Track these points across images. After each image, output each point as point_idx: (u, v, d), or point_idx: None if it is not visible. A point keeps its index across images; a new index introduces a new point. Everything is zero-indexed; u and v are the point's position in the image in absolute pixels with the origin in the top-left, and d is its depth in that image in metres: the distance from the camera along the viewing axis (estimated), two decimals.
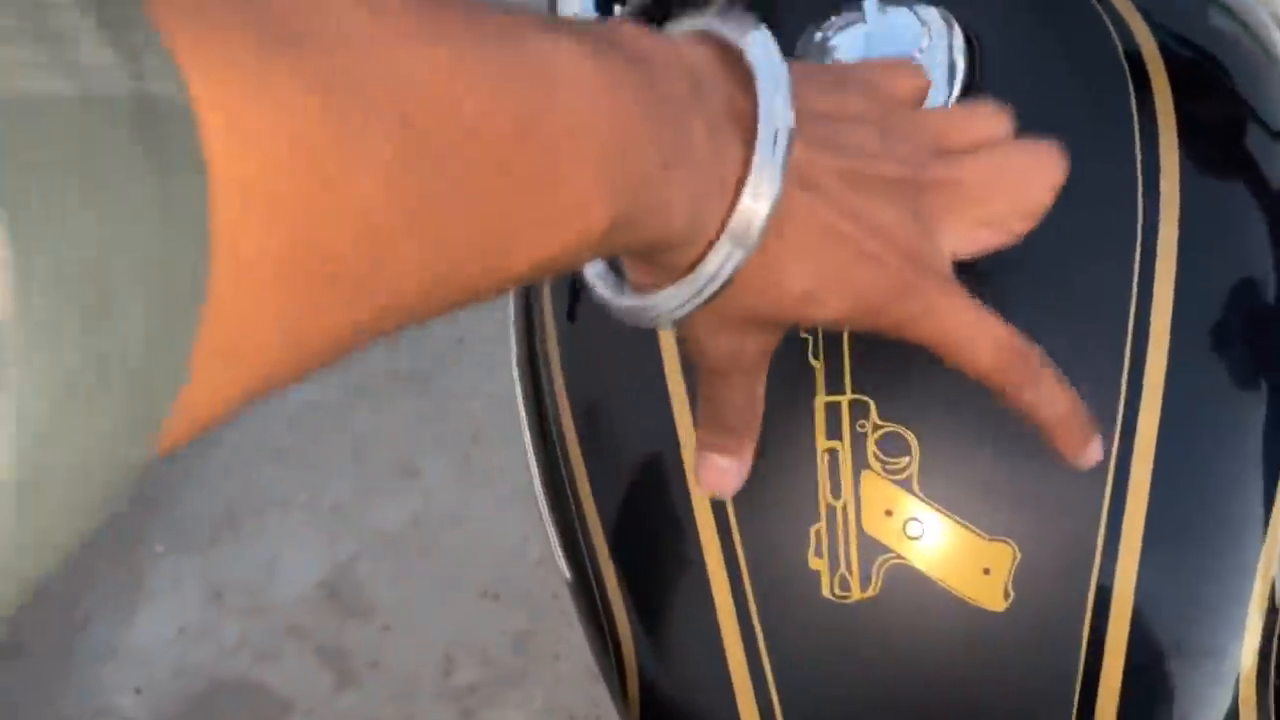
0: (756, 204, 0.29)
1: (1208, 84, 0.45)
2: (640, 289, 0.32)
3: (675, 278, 0.30)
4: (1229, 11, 0.47)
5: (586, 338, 0.49)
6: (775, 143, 0.29)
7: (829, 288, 0.32)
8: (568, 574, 0.48)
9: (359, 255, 0.20)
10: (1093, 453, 0.34)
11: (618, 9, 0.72)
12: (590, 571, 0.46)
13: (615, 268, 0.33)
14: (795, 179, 0.29)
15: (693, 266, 0.30)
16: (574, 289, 0.51)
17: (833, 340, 0.41)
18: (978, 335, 0.33)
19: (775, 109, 0.29)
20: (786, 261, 0.31)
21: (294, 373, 0.21)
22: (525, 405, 0.52)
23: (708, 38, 0.31)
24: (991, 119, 0.36)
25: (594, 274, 0.33)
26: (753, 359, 0.35)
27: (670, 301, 0.30)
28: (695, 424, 0.41)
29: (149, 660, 1.33)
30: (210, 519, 1.42)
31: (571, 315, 0.50)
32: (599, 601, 0.46)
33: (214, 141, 0.17)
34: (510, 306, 0.56)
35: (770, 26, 0.49)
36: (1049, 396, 0.34)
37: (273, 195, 0.18)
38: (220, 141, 0.17)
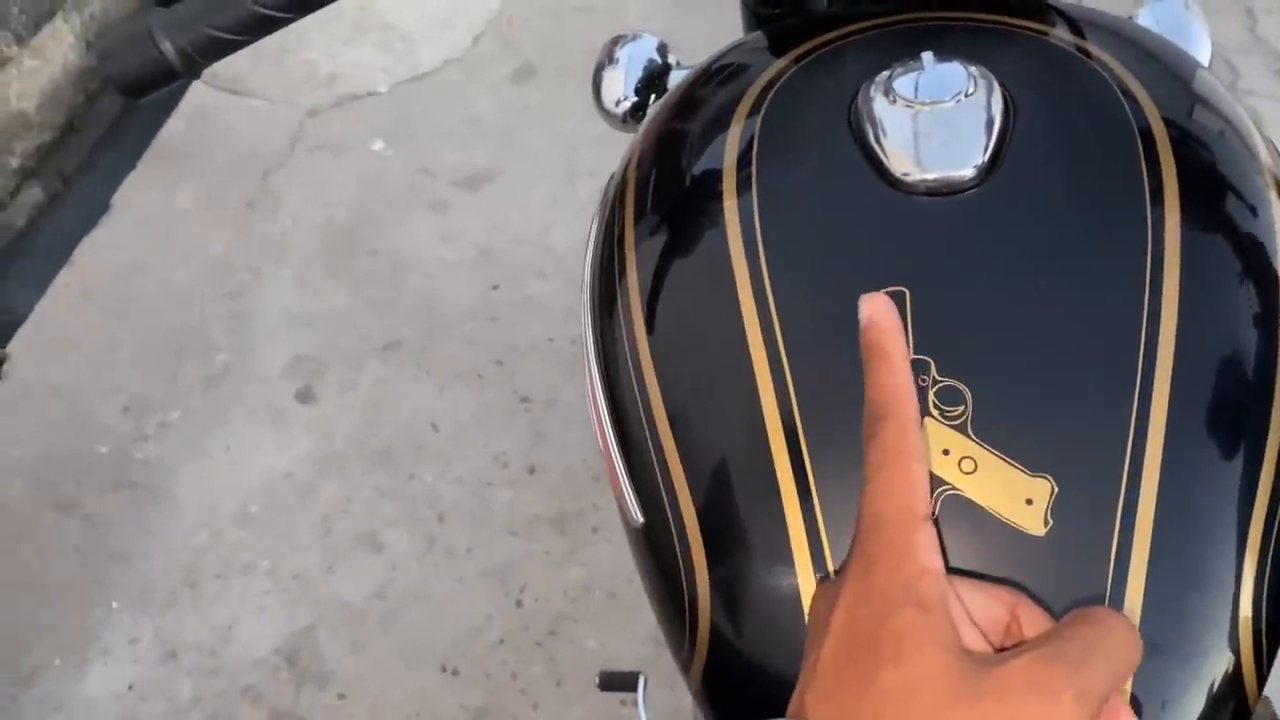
0: None
1: (1204, 162, 0.54)
2: None
3: None
4: (1217, 111, 0.58)
5: (670, 302, 0.55)
6: None
7: None
8: (640, 519, 0.53)
9: None
10: None
11: (674, 68, 0.82)
12: (670, 521, 0.51)
13: None
14: None
15: None
16: (656, 290, 0.57)
17: (899, 313, 0.48)
18: None
19: None
20: None
21: None
22: (595, 356, 0.57)
23: None
24: None
25: None
26: None
27: None
28: (777, 397, 0.48)
29: (95, 715, 1.30)
30: (170, 579, 1.42)
31: (657, 286, 0.56)
32: (676, 551, 0.51)
33: None
34: (586, 257, 0.62)
35: (842, 72, 0.59)
36: None
37: None
38: None
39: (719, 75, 0.65)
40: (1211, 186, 0.53)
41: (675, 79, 0.82)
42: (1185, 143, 0.53)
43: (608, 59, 0.83)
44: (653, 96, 0.83)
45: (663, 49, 0.83)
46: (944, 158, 0.52)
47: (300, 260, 1.81)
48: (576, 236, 1.91)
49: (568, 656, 1.33)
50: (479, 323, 1.69)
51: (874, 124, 0.53)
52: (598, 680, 0.95)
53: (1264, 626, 0.45)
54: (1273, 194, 0.54)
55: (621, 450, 0.55)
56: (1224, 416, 0.46)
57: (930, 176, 0.51)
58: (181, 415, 1.59)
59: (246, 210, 1.90)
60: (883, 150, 0.53)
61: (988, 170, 0.51)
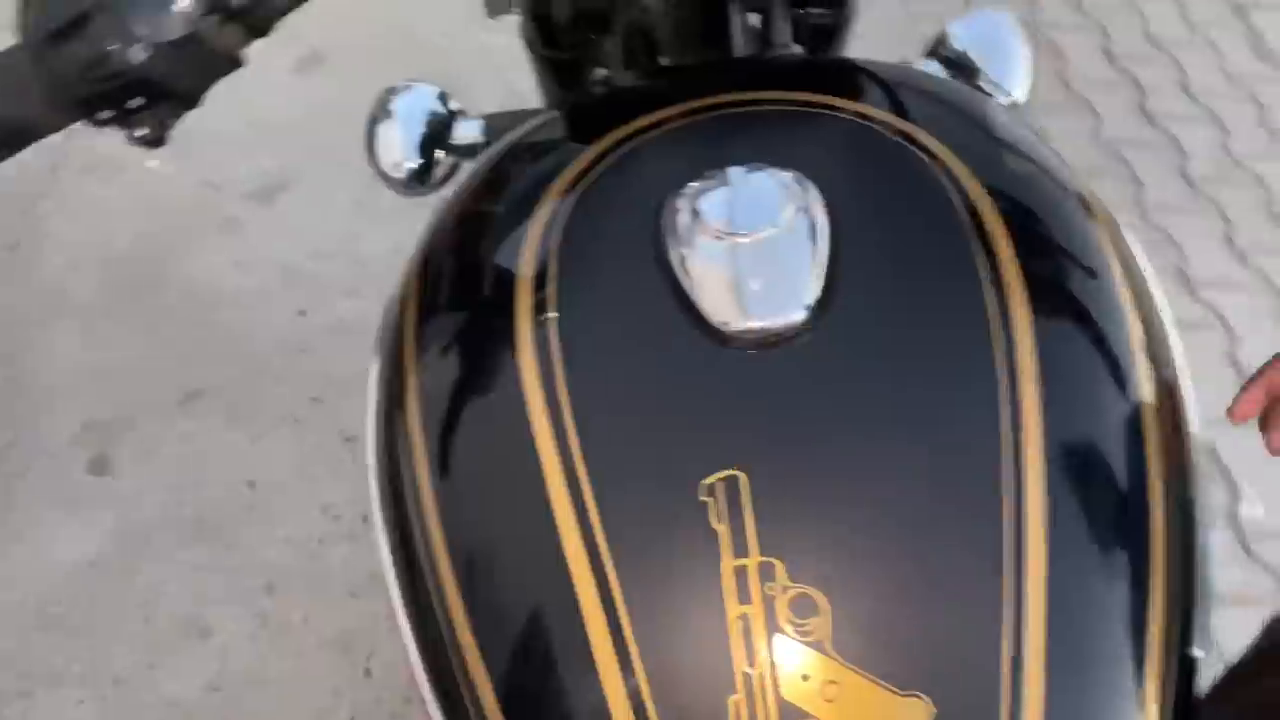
0: None
1: (1036, 230, 0.48)
2: None
3: None
4: (1033, 161, 0.51)
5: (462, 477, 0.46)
6: None
7: None
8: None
9: None
10: None
11: (438, 154, 0.72)
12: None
13: None
14: None
15: None
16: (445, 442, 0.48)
17: (734, 503, 0.40)
18: None
19: None
20: None
21: None
22: (389, 533, 0.51)
23: None
24: None
25: None
26: None
27: None
28: (595, 586, 0.40)
29: None
30: None
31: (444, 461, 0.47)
32: None
33: None
34: (367, 416, 0.55)
35: (637, 192, 0.49)
36: None
37: None
38: None
39: (503, 182, 0.56)
40: (1051, 265, 0.47)
41: (461, 129, 0.72)
42: (1016, 219, 0.47)
43: (382, 113, 0.73)
44: (437, 153, 0.73)
45: (443, 97, 0.74)
46: (770, 303, 0.43)
47: (80, 306, 1.62)
48: (387, 245, 1.77)
49: None
50: (288, 356, 1.54)
51: (684, 262, 0.44)
52: None
53: None
54: (1106, 241, 0.49)
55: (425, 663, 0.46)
56: (1105, 606, 0.41)
57: (756, 325, 0.43)
58: None
59: (8, 254, 1.69)
60: (698, 296, 0.44)
61: (819, 310, 0.43)
